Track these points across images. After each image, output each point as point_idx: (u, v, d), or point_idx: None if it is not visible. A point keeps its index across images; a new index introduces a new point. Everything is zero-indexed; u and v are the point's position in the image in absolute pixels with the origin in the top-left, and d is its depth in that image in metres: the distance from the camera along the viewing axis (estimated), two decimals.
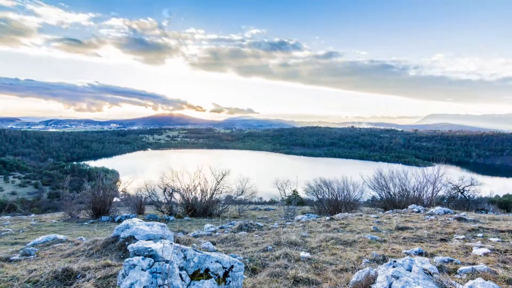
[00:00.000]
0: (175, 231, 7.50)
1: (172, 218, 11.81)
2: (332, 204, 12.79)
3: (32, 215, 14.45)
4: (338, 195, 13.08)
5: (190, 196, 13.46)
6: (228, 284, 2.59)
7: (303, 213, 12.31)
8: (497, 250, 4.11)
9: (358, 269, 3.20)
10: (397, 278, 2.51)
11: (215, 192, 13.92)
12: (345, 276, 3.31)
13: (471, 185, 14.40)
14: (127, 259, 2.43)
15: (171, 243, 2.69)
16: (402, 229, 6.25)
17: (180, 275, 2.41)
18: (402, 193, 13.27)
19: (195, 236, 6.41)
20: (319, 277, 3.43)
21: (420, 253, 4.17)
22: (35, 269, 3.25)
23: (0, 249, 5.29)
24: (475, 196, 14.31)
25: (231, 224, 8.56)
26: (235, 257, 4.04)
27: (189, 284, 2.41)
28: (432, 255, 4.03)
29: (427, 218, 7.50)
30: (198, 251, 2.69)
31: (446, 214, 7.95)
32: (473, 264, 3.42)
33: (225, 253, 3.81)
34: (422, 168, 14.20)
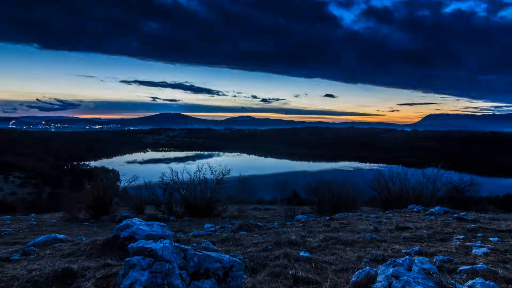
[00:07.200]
0: (175, 230, 7.50)
1: (172, 217, 11.81)
2: (332, 204, 12.78)
3: (32, 215, 14.42)
4: (338, 195, 13.07)
5: (190, 196, 13.46)
6: (228, 283, 2.59)
7: (303, 213, 12.31)
8: (497, 250, 4.11)
9: (358, 269, 3.20)
10: (397, 277, 2.51)
11: (215, 192, 13.93)
12: (345, 275, 3.31)
13: (471, 185, 14.42)
14: (127, 259, 2.42)
15: (171, 243, 2.69)
16: (402, 228, 6.26)
17: (180, 274, 2.41)
18: (402, 193, 13.26)
19: (195, 236, 6.41)
20: (319, 276, 3.43)
21: (420, 253, 4.18)
22: (35, 269, 3.24)
23: (0, 249, 5.29)
24: (475, 196, 14.32)
25: (231, 224, 8.56)
26: (235, 256, 4.04)
27: (189, 284, 2.40)
28: (432, 254, 4.03)
29: (427, 218, 7.50)
30: (198, 251, 2.68)
31: (446, 214, 7.95)
32: (473, 263, 3.42)
33: (225, 253, 3.81)
34: (422, 168, 14.21)
